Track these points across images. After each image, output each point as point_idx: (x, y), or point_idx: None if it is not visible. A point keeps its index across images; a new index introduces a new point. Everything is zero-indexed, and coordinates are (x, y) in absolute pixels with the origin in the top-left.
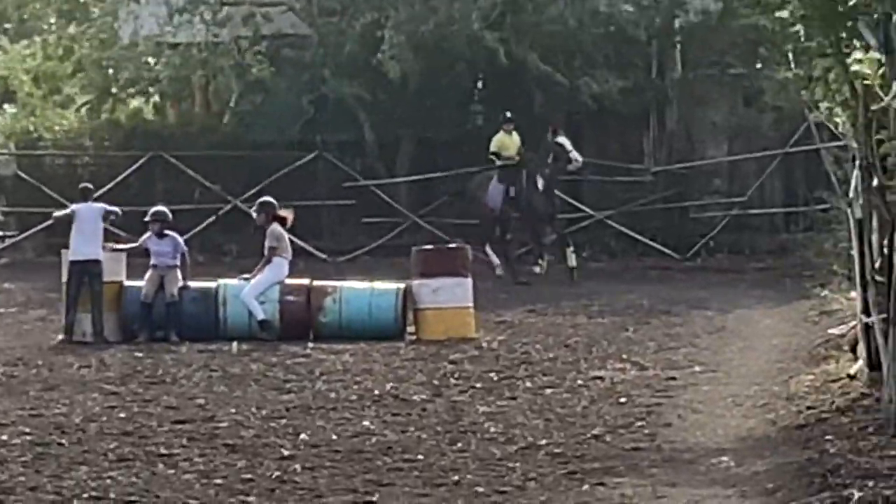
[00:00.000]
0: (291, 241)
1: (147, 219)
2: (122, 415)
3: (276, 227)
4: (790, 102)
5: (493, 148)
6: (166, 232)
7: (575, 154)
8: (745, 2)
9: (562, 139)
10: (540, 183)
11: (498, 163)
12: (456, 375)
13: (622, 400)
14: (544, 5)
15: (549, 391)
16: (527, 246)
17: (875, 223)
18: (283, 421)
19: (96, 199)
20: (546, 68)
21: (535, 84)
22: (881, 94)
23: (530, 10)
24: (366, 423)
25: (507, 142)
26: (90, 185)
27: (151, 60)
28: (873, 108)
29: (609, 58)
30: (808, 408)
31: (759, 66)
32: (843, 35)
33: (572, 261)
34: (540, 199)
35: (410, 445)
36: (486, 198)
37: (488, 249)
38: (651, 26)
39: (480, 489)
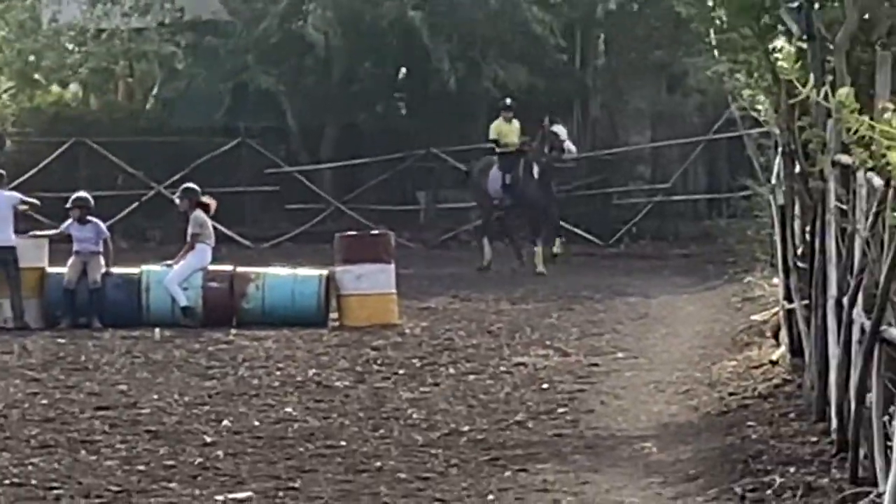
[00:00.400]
0: (214, 228)
1: (69, 205)
2: (44, 401)
3: (199, 213)
4: (714, 89)
5: (491, 135)
6: (89, 218)
7: (568, 144)
8: None
9: (557, 128)
10: (535, 171)
11: (497, 150)
12: (379, 362)
13: (545, 386)
14: None
15: (471, 377)
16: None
17: (797, 209)
18: (206, 407)
19: (18, 187)
20: (467, 55)
21: (456, 70)
22: (798, 84)
23: None
24: (288, 409)
25: (504, 129)
26: (3, 172)
27: (73, 47)
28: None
29: (531, 45)
30: (731, 394)
31: (681, 53)
32: (766, 22)
33: (558, 247)
34: (535, 187)
35: (333, 432)
36: (486, 184)
37: (485, 241)
38: (574, 14)
39: (403, 475)
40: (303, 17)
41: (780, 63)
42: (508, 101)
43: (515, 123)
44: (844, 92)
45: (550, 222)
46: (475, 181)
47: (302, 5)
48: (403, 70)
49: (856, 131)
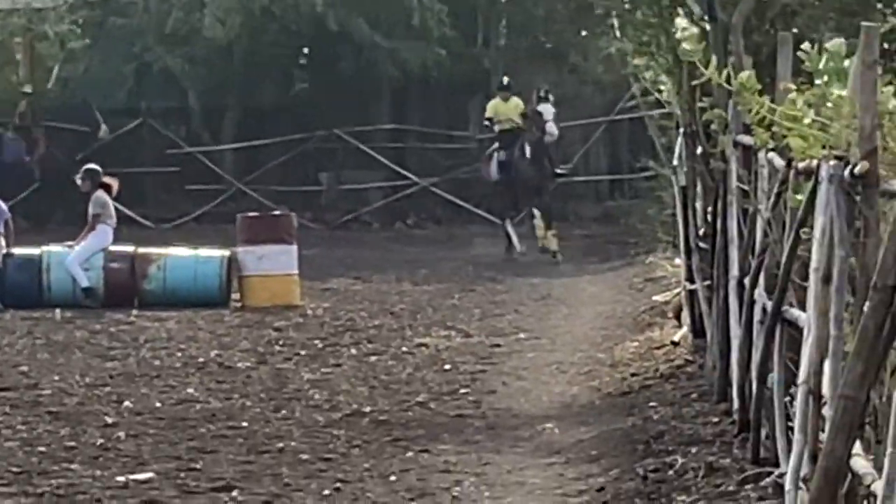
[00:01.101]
0: (116, 209)
1: None
2: None
3: (100, 194)
4: (615, 70)
5: (487, 114)
6: None
7: (550, 126)
8: None
9: (543, 107)
10: (527, 150)
11: (495, 129)
12: (280, 343)
13: (447, 367)
14: None
15: (373, 358)
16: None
17: (699, 190)
18: (107, 388)
19: None
20: (363, 37)
21: (359, 51)
22: (700, 65)
23: None
24: (190, 390)
25: (501, 108)
26: None
27: None
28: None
29: (433, 26)
30: (633, 374)
31: (584, 33)
32: (667, 3)
33: (554, 244)
34: (526, 167)
35: (234, 413)
36: (490, 168)
37: (508, 227)
38: None
39: (305, 456)
40: (201, 8)
41: (682, 44)
42: (505, 80)
43: (514, 101)
44: (746, 75)
45: (542, 205)
46: (483, 167)
47: None
48: (306, 50)
49: (757, 113)
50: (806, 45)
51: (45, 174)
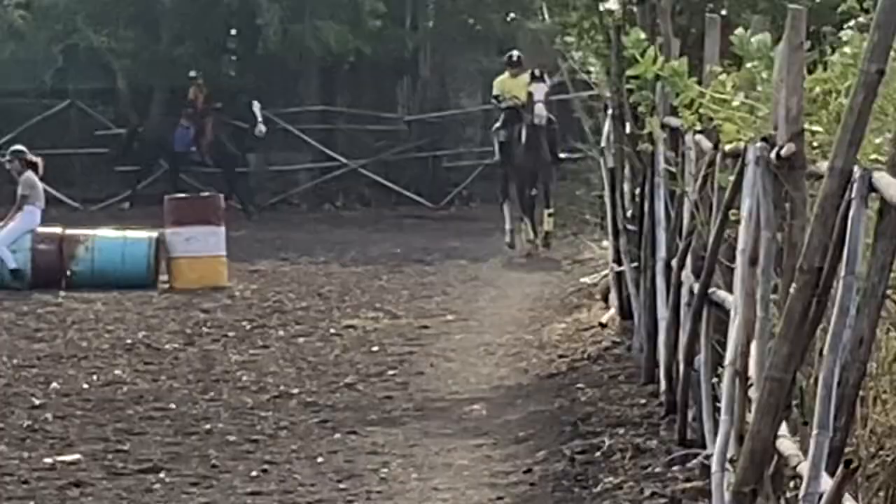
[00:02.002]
0: (44, 190)
1: None
2: None
3: (29, 174)
4: (544, 52)
5: (494, 91)
6: None
7: (538, 108)
8: None
9: (534, 86)
10: (523, 135)
11: (502, 107)
12: (208, 324)
13: (375, 349)
14: None
15: (301, 340)
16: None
17: (627, 172)
18: (34, 370)
19: None
20: (287, 20)
21: (283, 33)
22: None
23: None
24: (117, 371)
25: (509, 84)
26: None
27: None
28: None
29: (361, 8)
30: (560, 356)
31: (513, 14)
32: None
33: (549, 224)
34: (522, 152)
35: (162, 394)
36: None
37: (505, 209)
38: None
39: (232, 438)
40: None
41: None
42: (515, 54)
43: (524, 78)
44: (677, 64)
45: (539, 193)
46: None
47: None
48: (233, 31)
49: (685, 96)
50: (739, 31)
51: (215, 162)
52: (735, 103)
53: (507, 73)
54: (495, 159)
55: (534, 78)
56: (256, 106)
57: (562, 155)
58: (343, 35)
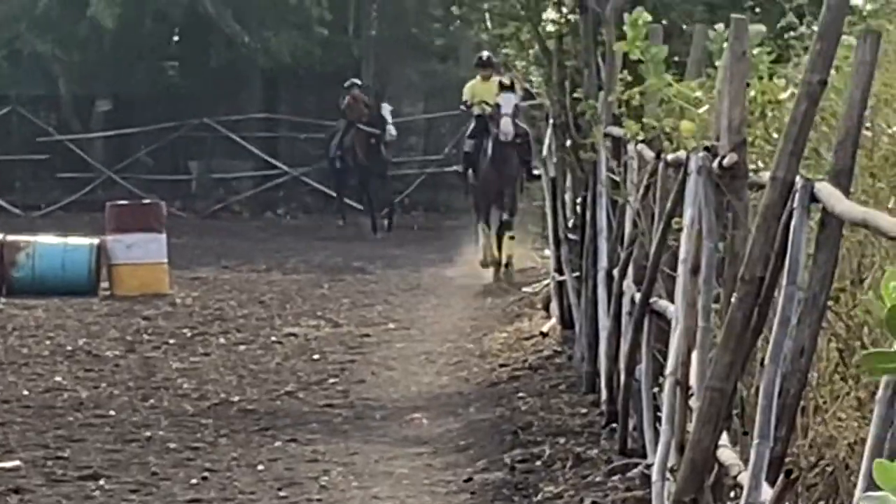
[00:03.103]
0: None
1: None
2: None
3: None
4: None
5: (464, 96)
6: None
7: (504, 123)
8: None
9: (502, 97)
10: (489, 148)
11: (475, 113)
12: (149, 331)
13: (315, 357)
14: None
15: (242, 347)
16: None
17: (569, 182)
18: None
19: None
20: (234, 25)
21: (228, 40)
22: (573, 51)
23: None
24: (58, 378)
25: (479, 88)
26: None
27: None
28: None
29: (304, 16)
30: (501, 365)
31: (455, 24)
32: None
33: (509, 248)
34: (485, 166)
35: (102, 401)
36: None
37: (480, 229)
38: None
39: (172, 445)
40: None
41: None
42: (485, 54)
43: (495, 81)
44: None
45: (502, 209)
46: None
47: None
48: (176, 38)
49: (628, 104)
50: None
51: (368, 169)
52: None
53: (478, 77)
54: (459, 169)
55: (502, 88)
56: (387, 109)
57: (536, 171)
58: (291, 44)
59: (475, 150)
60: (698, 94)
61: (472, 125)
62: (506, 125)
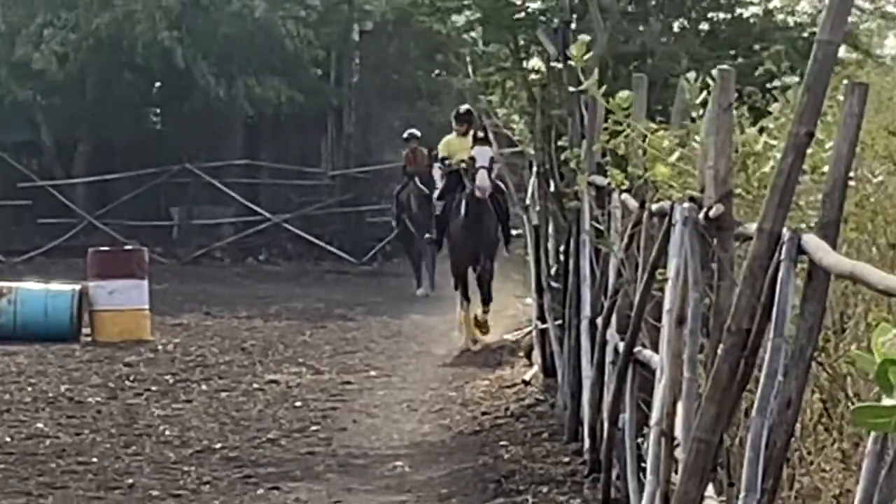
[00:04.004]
0: None
1: None
2: None
3: None
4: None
5: (440, 153)
6: None
7: (481, 177)
8: (421, 9)
9: (477, 150)
10: (462, 208)
11: (449, 170)
12: (131, 378)
13: (297, 404)
14: (221, 10)
15: (224, 394)
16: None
17: (551, 229)
18: None
19: None
20: (209, 78)
21: (209, 88)
22: (557, 99)
23: (211, 11)
24: (39, 425)
25: (455, 145)
26: None
27: None
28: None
29: (287, 61)
30: (483, 413)
31: (437, 72)
32: (522, 42)
33: (482, 316)
34: (458, 227)
35: (84, 448)
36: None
37: (458, 302)
38: (329, 31)
39: (155, 493)
40: (41, 42)
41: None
42: (463, 108)
43: (472, 135)
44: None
45: (480, 281)
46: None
47: (47, 28)
48: (157, 84)
49: (612, 153)
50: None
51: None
52: (672, 159)
53: (454, 132)
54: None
55: (476, 140)
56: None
57: (514, 232)
58: (273, 90)
59: (445, 211)
60: (665, 143)
61: (443, 185)
62: (482, 179)
